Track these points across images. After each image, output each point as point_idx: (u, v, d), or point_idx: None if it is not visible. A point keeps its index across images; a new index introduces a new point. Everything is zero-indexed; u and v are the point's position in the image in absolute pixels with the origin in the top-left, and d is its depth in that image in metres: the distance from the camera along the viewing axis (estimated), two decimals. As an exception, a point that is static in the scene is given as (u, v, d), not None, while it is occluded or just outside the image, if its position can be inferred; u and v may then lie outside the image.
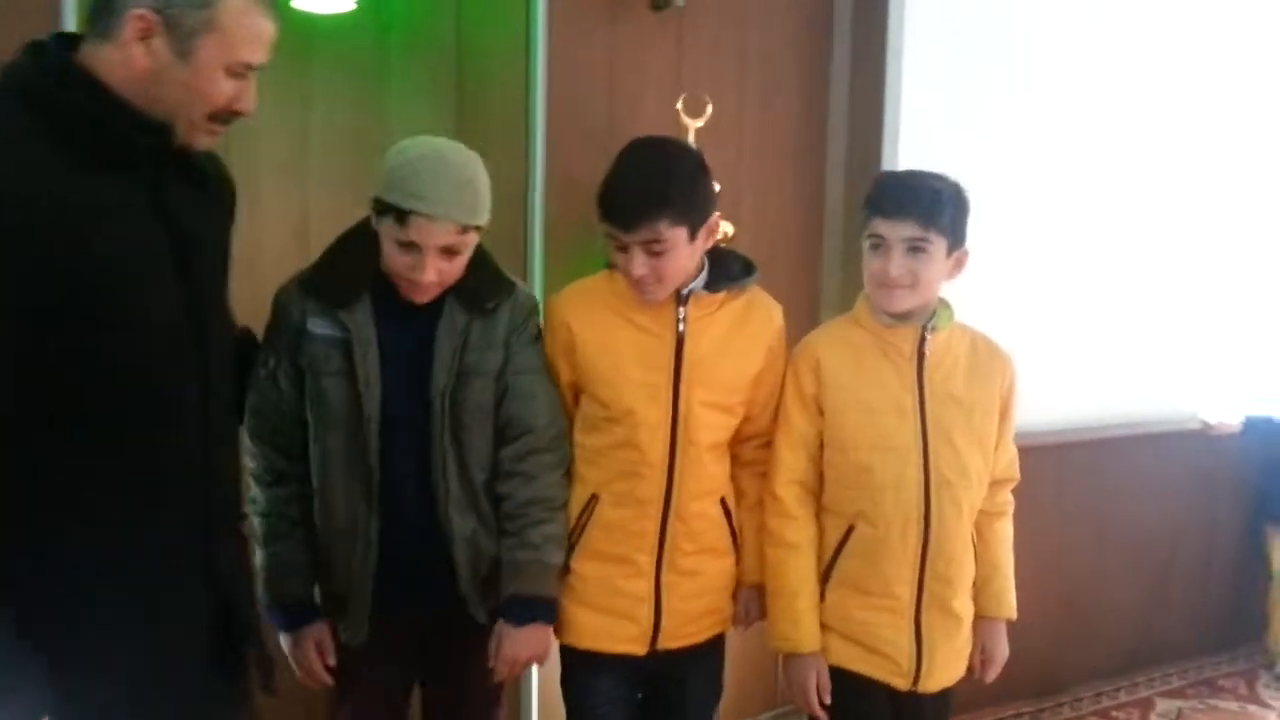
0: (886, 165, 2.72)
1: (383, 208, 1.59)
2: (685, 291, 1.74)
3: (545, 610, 1.73)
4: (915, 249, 1.73)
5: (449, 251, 1.60)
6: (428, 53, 2.60)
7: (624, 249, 1.67)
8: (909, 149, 2.73)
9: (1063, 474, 3.16)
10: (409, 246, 1.59)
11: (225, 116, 1.36)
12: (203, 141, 1.37)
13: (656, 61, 2.59)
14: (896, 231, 1.73)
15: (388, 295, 1.66)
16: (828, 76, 2.84)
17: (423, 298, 1.65)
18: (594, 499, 1.76)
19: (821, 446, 1.83)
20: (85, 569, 1.30)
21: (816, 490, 1.85)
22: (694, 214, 1.67)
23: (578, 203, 2.49)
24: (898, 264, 1.73)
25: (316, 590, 1.75)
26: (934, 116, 2.80)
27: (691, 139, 2.47)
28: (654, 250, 1.65)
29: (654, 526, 1.75)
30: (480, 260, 1.70)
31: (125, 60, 1.28)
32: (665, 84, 2.59)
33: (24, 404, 1.24)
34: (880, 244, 1.75)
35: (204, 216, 1.42)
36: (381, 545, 1.67)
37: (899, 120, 2.73)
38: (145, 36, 1.28)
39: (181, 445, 1.37)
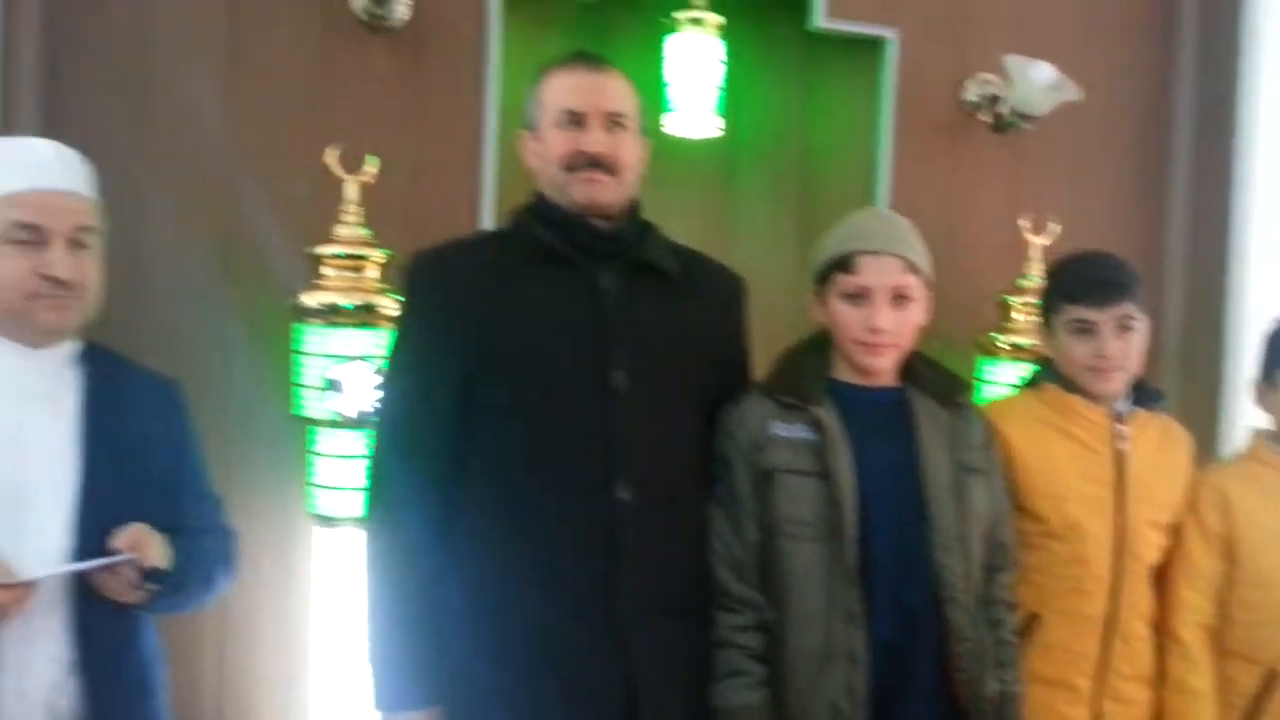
0: (1231, 291, 2.67)
1: (825, 271, 1.63)
2: (1121, 409, 1.78)
3: None
4: None
5: (900, 298, 1.59)
6: (775, 172, 2.79)
7: (1089, 331, 1.72)
8: (1258, 270, 2.67)
9: None
10: (859, 297, 1.59)
11: (581, 163, 1.54)
12: (579, 191, 1.55)
13: (996, 180, 2.67)
14: None
15: (845, 396, 1.62)
16: (1164, 205, 2.82)
17: (880, 359, 1.60)
18: (1034, 619, 1.74)
19: (1229, 588, 1.78)
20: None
21: (1220, 634, 1.79)
22: (1146, 307, 1.76)
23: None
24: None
25: None
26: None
27: (1035, 255, 2.52)
28: (1127, 326, 1.72)
29: (1095, 647, 1.73)
30: (923, 355, 1.69)
31: (534, 171, 1.64)
32: (1003, 202, 2.66)
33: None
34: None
35: (651, 306, 1.57)
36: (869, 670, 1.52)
37: (1246, 240, 2.68)
38: (527, 147, 1.63)
39: (574, 510, 1.50)
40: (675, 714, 1.54)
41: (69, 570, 1.38)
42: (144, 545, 1.40)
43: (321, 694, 2.13)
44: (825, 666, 1.52)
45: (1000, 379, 2.43)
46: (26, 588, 1.34)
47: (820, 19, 2.53)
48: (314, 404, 2.06)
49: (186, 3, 2.19)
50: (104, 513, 1.42)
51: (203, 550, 1.53)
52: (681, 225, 1.65)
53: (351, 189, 2.12)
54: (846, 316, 1.61)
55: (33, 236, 1.40)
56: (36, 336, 1.44)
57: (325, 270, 2.07)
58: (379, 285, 2.09)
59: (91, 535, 1.40)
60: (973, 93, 2.64)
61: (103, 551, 1.38)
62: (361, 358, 2.03)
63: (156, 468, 1.52)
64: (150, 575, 1.39)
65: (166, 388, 1.59)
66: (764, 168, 2.79)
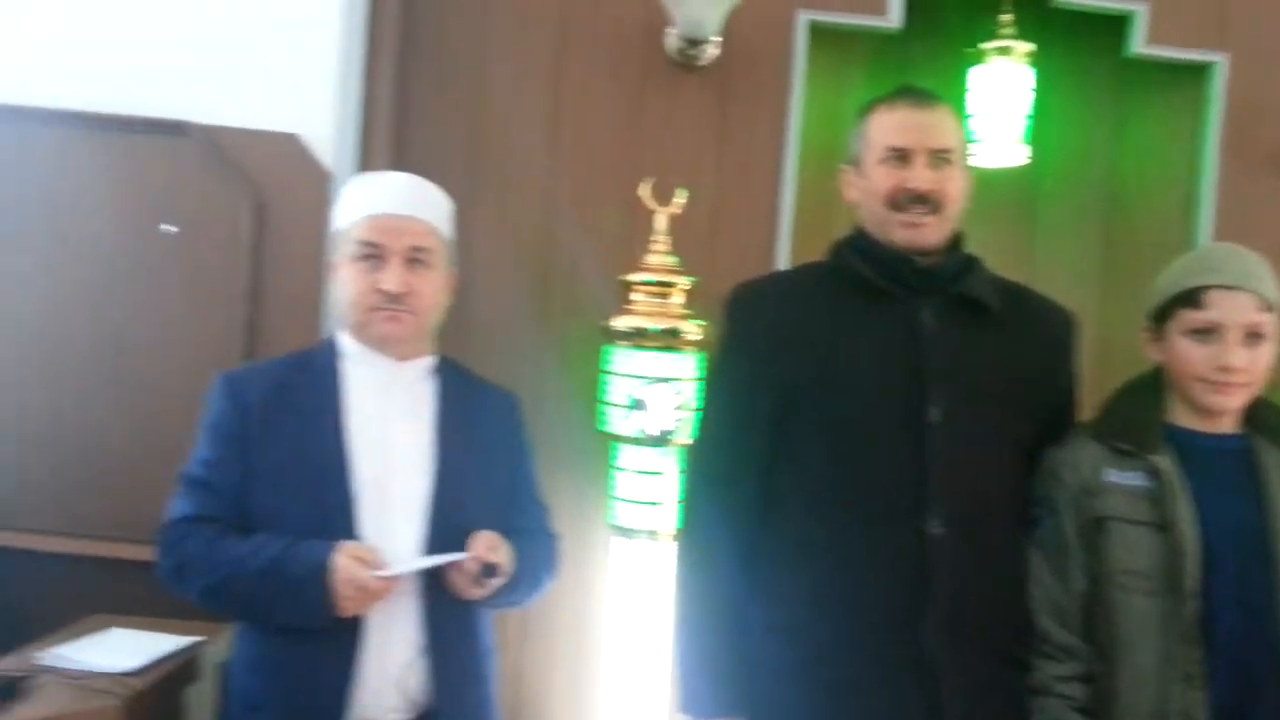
0: None
1: (1167, 306, 1.56)
2: None
3: None
4: None
5: (1253, 335, 1.50)
6: (1080, 203, 2.68)
7: None
8: None
9: None
10: (1207, 334, 1.51)
11: (905, 200, 1.56)
12: (900, 235, 1.58)
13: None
14: None
15: (1184, 442, 1.55)
16: None
17: (1228, 399, 1.52)
18: None
19: None
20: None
21: None
22: None
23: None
24: None
25: None
26: None
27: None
28: None
29: None
30: (1269, 402, 1.59)
31: (855, 205, 1.66)
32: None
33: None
34: None
35: (970, 341, 1.57)
36: None
37: None
38: (849, 181, 1.66)
39: (883, 540, 1.51)
40: None
41: (425, 565, 1.54)
42: (494, 550, 1.54)
43: (611, 697, 2.25)
44: None
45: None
46: (393, 580, 1.51)
47: (1139, 45, 2.41)
48: (619, 421, 2.18)
49: (519, 49, 2.40)
50: (452, 514, 1.58)
51: (532, 552, 1.66)
52: (980, 255, 1.64)
53: (661, 219, 2.23)
54: (1192, 354, 1.54)
55: (373, 253, 1.58)
56: (380, 347, 1.61)
57: (634, 296, 2.19)
58: (683, 311, 2.18)
59: (440, 534, 1.56)
60: (1314, 122, 2.43)
61: (450, 550, 1.53)
62: (665, 379, 2.14)
63: (498, 474, 1.67)
64: (487, 571, 1.53)
65: (509, 400, 1.74)
66: (1069, 198, 2.68)
